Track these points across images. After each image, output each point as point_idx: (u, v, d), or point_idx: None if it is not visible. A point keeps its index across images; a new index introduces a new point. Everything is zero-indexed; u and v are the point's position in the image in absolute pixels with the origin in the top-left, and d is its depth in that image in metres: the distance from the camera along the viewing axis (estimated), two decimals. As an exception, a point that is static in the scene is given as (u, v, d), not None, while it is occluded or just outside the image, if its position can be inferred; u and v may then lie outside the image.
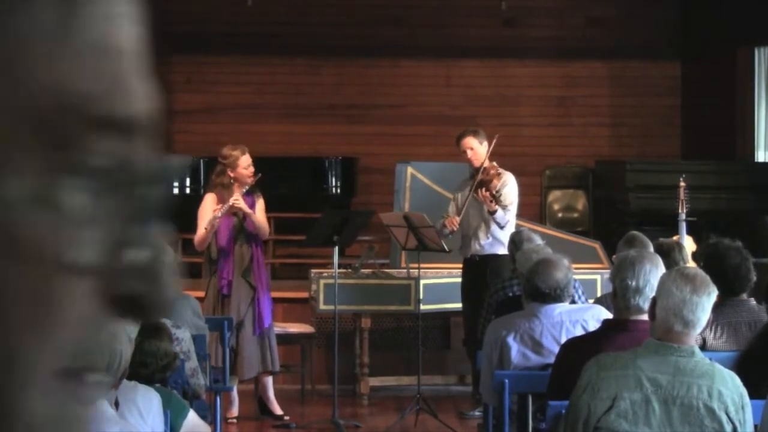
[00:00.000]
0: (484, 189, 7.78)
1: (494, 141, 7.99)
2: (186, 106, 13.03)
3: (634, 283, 4.10)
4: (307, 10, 12.97)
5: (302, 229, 9.25)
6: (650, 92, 13.21)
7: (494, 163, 7.98)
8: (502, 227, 7.77)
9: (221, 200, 7.69)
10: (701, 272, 3.61)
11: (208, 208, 7.67)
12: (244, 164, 7.70)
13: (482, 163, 7.94)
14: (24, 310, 0.65)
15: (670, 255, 5.54)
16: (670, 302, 3.49)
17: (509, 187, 7.89)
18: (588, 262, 8.80)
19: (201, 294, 7.66)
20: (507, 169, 11.30)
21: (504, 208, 7.78)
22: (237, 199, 7.60)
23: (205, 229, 7.62)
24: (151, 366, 4.39)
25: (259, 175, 7.74)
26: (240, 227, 7.73)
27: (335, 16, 13.03)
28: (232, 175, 7.68)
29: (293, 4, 12.97)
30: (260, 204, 7.80)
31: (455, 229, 7.90)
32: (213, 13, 12.88)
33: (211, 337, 6.99)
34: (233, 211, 7.71)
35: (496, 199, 7.72)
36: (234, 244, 7.72)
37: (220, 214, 7.59)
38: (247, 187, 7.71)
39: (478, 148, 7.96)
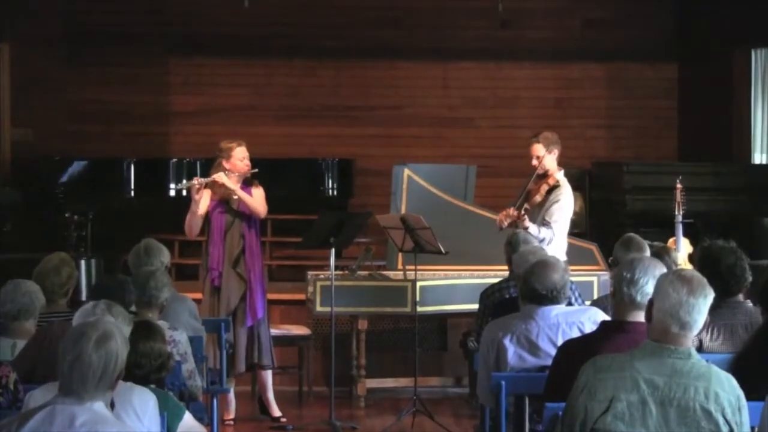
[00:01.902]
0: (512, 208, 7.60)
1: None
2: (183, 107, 13.03)
3: (629, 275, 4.11)
4: (304, 11, 12.97)
5: (299, 230, 9.26)
6: (647, 94, 13.22)
7: (555, 175, 7.72)
8: (539, 242, 7.25)
9: (218, 196, 7.69)
10: (698, 274, 3.61)
11: (203, 202, 7.67)
12: (239, 156, 7.71)
13: (545, 171, 7.72)
14: None
15: (660, 259, 5.53)
16: (667, 304, 3.49)
17: (559, 204, 7.63)
18: (585, 264, 8.80)
19: (198, 296, 7.65)
20: (504, 169, 11.31)
21: (546, 224, 7.56)
22: (220, 175, 7.60)
23: (191, 190, 7.58)
24: (146, 367, 4.39)
25: (256, 169, 7.75)
26: (233, 217, 7.71)
27: (332, 17, 13.04)
28: (227, 166, 7.69)
29: (290, 6, 12.97)
30: (258, 192, 7.77)
31: (502, 226, 7.64)
32: (210, 14, 12.88)
33: (208, 339, 6.99)
34: (224, 197, 7.68)
35: (521, 217, 7.43)
36: (225, 234, 7.71)
37: (197, 183, 7.58)
38: (242, 179, 7.71)
39: (544, 157, 7.69)
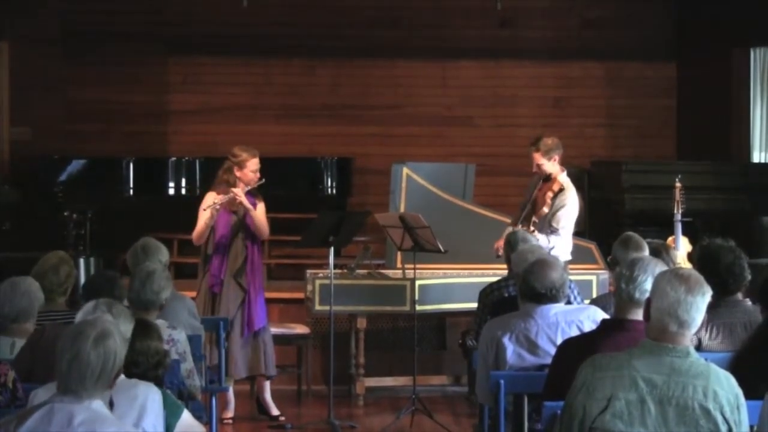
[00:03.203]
0: (521, 225, 7.59)
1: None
2: (182, 106, 13.02)
3: (628, 273, 4.13)
4: (303, 11, 12.97)
5: (298, 229, 9.25)
6: (646, 93, 13.22)
7: (559, 179, 7.76)
8: (549, 250, 7.26)
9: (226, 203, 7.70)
10: (695, 273, 3.61)
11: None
12: (252, 167, 7.74)
13: (548, 175, 7.76)
14: None
15: (657, 257, 5.52)
16: (665, 303, 3.49)
17: (565, 209, 7.69)
18: (584, 262, 8.80)
19: (195, 293, 7.65)
20: (503, 168, 11.28)
21: (554, 231, 7.61)
22: (238, 192, 7.62)
23: (203, 210, 7.60)
24: (143, 365, 4.39)
25: (263, 180, 7.77)
26: (239, 226, 7.74)
27: (331, 17, 13.03)
28: (238, 174, 7.71)
29: (289, 5, 12.96)
30: (261, 206, 7.83)
31: (499, 254, 7.55)
32: (209, 14, 12.87)
33: (207, 338, 6.99)
34: (233, 209, 7.72)
35: (531, 233, 7.44)
36: (230, 243, 7.73)
37: (219, 203, 7.61)
38: (248, 188, 7.73)
39: (544, 164, 7.76)
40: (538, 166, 7.81)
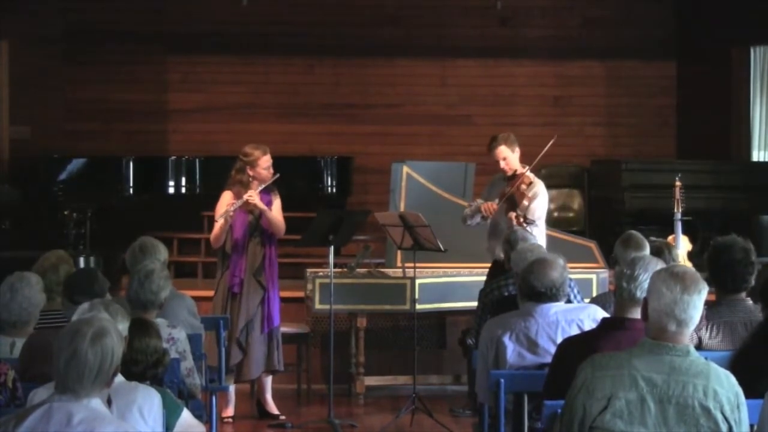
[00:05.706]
0: (514, 214, 7.46)
1: (552, 141, 7.76)
2: (181, 105, 13.02)
3: (629, 272, 4.14)
4: (303, 9, 12.97)
5: (298, 228, 9.24)
6: (646, 92, 13.22)
7: (526, 171, 7.66)
8: None
9: (238, 198, 7.68)
10: (690, 270, 3.60)
11: (225, 206, 7.66)
12: (264, 164, 7.72)
13: (515, 171, 7.65)
14: None
15: (660, 256, 5.51)
16: (662, 303, 3.48)
17: (538, 200, 7.60)
18: (584, 261, 8.80)
19: (197, 293, 7.65)
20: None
21: (531, 223, 7.52)
22: (252, 195, 7.60)
23: (217, 221, 7.60)
24: (142, 363, 4.39)
25: (278, 175, 7.75)
26: (255, 225, 7.74)
27: (330, 15, 13.03)
28: (251, 173, 7.69)
29: (288, 4, 12.96)
30: (277, 203, 7.82)
31: (490, 215, 7.58)
32: (208, 12, 12.87)
33: (208, 337, 6.98)
34: (249, 209, 7.70)
35: (524, 220, 7.35)
36: (248, 242, 7.72)
37: (232, 209, 7.59)
38: (264, 186, 7.71)
39: (510, 157, 7.66)
40: (505, 159, 7.66)
